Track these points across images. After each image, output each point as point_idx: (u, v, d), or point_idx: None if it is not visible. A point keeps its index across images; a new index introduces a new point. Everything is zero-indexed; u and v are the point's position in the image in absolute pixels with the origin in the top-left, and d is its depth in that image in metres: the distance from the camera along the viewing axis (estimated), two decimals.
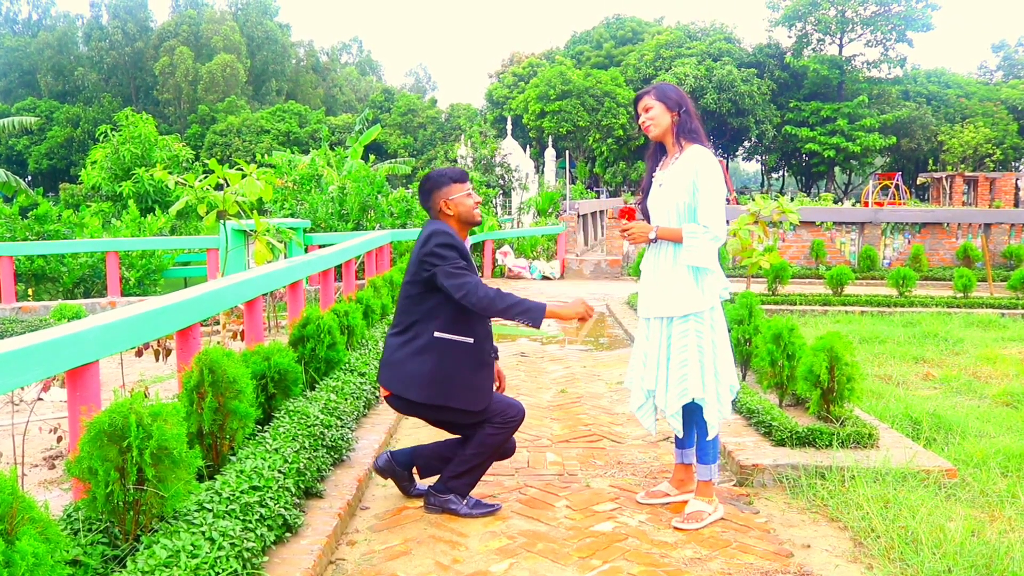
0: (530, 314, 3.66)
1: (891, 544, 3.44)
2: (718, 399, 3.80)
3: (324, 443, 4.16)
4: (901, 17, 52.99)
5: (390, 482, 4.38)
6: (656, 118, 3.86)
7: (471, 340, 3.81)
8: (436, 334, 3.78)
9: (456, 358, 3.79)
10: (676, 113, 3.85)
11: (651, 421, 4.01)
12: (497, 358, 4.04)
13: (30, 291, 12.26)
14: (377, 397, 5.66)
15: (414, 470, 4.15)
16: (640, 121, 3.95)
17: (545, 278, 16.03)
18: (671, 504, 4.07)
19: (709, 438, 3.85)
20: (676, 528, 3.77)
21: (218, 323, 7.76)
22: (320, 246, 11.29)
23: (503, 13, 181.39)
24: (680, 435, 4.01)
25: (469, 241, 4.06)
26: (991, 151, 52.99)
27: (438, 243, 3.75)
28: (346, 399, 4.92)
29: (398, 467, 4.11)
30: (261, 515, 3.18)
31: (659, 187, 3.91)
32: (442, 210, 3.87)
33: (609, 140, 53.45)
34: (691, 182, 3.76)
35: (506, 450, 4.05)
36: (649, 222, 3.99)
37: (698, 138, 3.85)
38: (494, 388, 4.05)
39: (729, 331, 6.24)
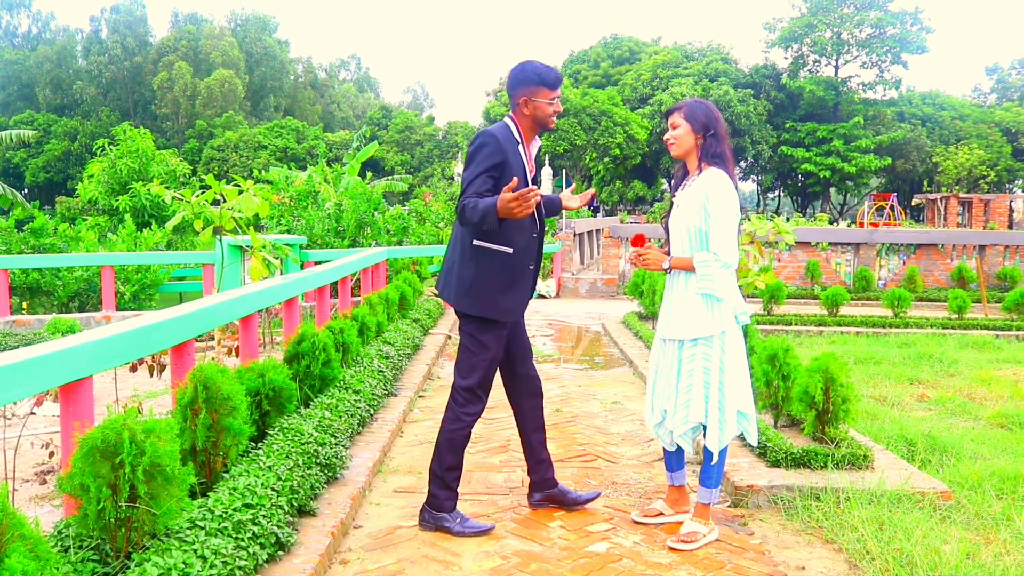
0: (486, 215, 3.52)
1: (886, 567, 3.43)
2: (720, 427, 3.78)
3: (318, 461, 4.15)
4: (896, 39, 53.33)
5: (384, 500, 4.37)
6: (680, 138, 3.85)
7: (510, 250, 3.80)
8: (475, 242, 3.81)
9: (493, 269, 3.80)
10: (702, 136, 3.83)
11: (669, 439, 4.02)
12: (535, 268, 3.97)
13: (25, 304, 12.22)
14: (372, 415, 5.65)
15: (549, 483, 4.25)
16: (665, 137, 3.95)
17: (541, 296, 16.03)
18: (666, 525, 4.05)
19: (713, 462, 3.85)
20: (671, 548, 3.75)
21: (213, 339, 7.75)
22: (316, 263, 11.28)
23: (501, 32, 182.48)
24: (692, 455, 4.02)
25: (536, 144, 3.94)
26: (985, 173, 53.20)
27: (471, 148, 3.74)
28: (340, 417, 4.90)
29: (549, 489, 4.23)
30: (254, 533, 3.16)
31: (677, 208, 3.91)
32: (520, 106, 3.82)
33: (606, 159, 53.58)
34: (701, 206, 3.76)
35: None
36: (669, 241, 4.00)
37: (722, 163, 3.80)
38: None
39: None
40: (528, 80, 3.78)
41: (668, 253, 3.96)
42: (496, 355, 3.92)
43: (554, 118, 3.85)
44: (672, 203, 4.01)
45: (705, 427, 3.81)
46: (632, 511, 4.22)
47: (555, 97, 3.81)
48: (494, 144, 3.72)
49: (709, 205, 3.73)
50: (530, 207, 3.42)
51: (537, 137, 3.95)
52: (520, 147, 3.84)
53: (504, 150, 3.73)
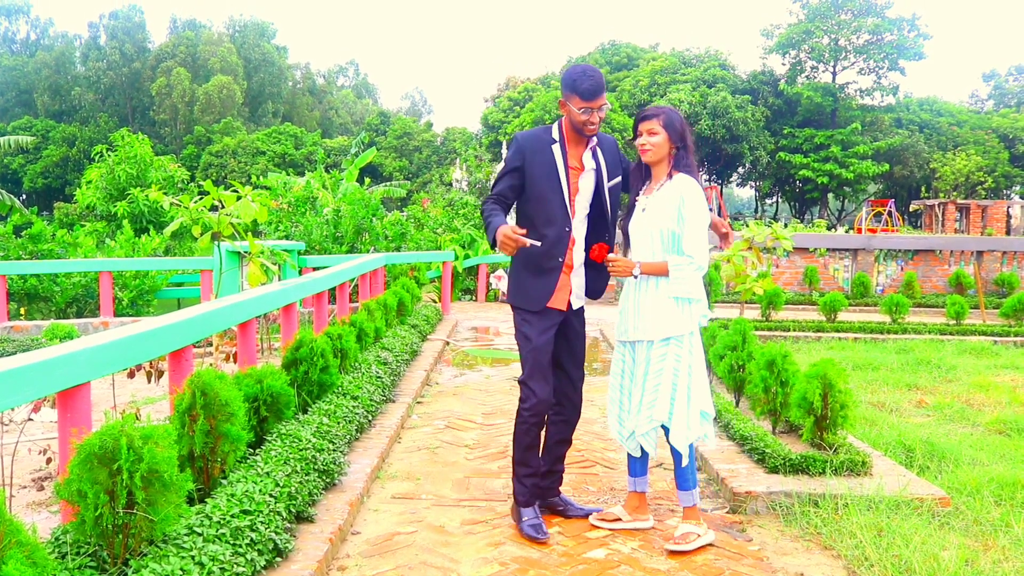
0: (487, 231, 3.88)
1: (885, 573, 3.43)
2: (687, 425, 3.83)
3: (316, 467, 4.14)
4: (893, 46, 53.42)
5: (382, 507, 4.36)
6: (657, 146, 3.86)
7: (539, 243, 3.89)
8: None
9: (526, 260, 3.95)
10: (676, 146, 3.87)
11: (635, 445, 4.01)
12: (560, 263, 3.96)
13: (22, 310, 12.21)
14: (370, 421, 5.64)
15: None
16: (640, 142, 3.91)
17: None
18: (662, 530, 4.05)
19: (684, 464, 3.86)
20: (670, 552, 3.75)
21: (211, 345, 7.74)
22: (314, 268, 11.28)
23: (499, 38, 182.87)
24: (653, 455, 4.00)
25: (586, 146, 3.94)
26: (983, 179, 53.29)
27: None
28: (338, 423, 4.90)
29: (552, 498, 4.27)
30: (251, 539, 3.16)
31: (642, 211, 3.93)
32: (560, 107, 3.91)
33: None
34: (676, 209, 3.80)
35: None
36: (628, 244, 4.01)
37: (692, 172, 3.87)
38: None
39: (722, 357, 6.26)
40: (564, 84, 3.84)
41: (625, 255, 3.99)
42: (537, 346, 3.94)
43: (590, 127, 3.82)
44: (633, 205, 4.01)
45: (667, 428, 3.84)
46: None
47: (587, 107, 3.77)
48: (515, 147, 3.94)
49: (685, 209, 3.79)
50: (509, 248, 3.70)
51: (592, 138, 3.96)
52: (556, 146, 3.89)
53: (524, 151, 3.89)
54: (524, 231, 3.75)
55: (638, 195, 4.01)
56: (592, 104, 3.77)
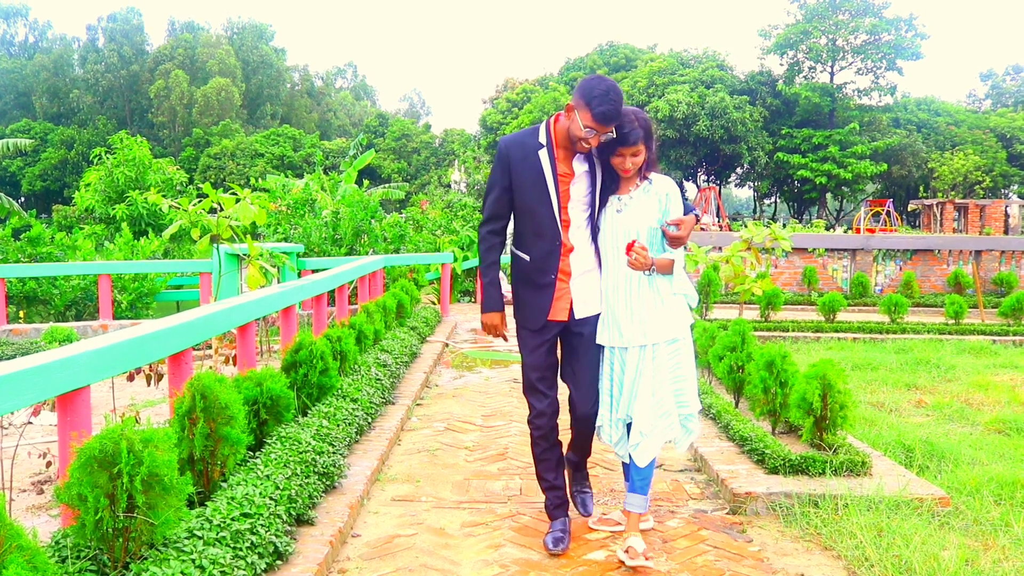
0: (483, 303, 3.94)
1: (885, 573, 3.43)
2: (698, 417, 3.92)
3: (316, 470, 4.14)
4: (891, 46, 53.51)
5: (382, 509, 4.36)
6: (638, 164, 3.73)
7: (528, 258, 3.84)
8: (513, 248, 3.95)
9: (519, 273, 3.91)
10: (648, 154, 3.80)
11: (626, 451, 3.92)
12: (554, 279, 3.82)
13: (21, 313, 12.21)
14: (369, 423, 5.64)
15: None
16: (625, 167, 3.71)
17: None
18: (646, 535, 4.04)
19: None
20: (639, 568, 3.60)
21: (210, 348, 7.74)
22: (313, 271, 11.28)
23: (497, 39, 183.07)
24: (653, 456, 3.87)
25: (581, 158, 3.76)
26: (981, 178, 53.37)
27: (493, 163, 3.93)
28: (338, 425, 4.90)
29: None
30: (252, 543, 3.16)
31: (617, 212, 3.81)
32: (565, 109, 3.68)
33: None
34: (663, 208, 3.77)
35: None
36: (596, 240, 3.89)
37: (657, 170, 3.88)
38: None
39: (721, 358, 6.27)
40: (581, 92, 3.56)
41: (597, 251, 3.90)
42: (531, 363, 3.84)
43: (585, 145, 3.62)
44: (605, 202, 3.87)
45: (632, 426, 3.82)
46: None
47: (592, 129, 3.52)
48: (498, 158, 3.83)
49: (671, 207, 3.77)
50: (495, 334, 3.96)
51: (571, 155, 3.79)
52: (544, 152, 3.71)
53: (509, 160, 3.76)
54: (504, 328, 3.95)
55: (608, 196, 3.90)
56: (602, 129, 3.53)
